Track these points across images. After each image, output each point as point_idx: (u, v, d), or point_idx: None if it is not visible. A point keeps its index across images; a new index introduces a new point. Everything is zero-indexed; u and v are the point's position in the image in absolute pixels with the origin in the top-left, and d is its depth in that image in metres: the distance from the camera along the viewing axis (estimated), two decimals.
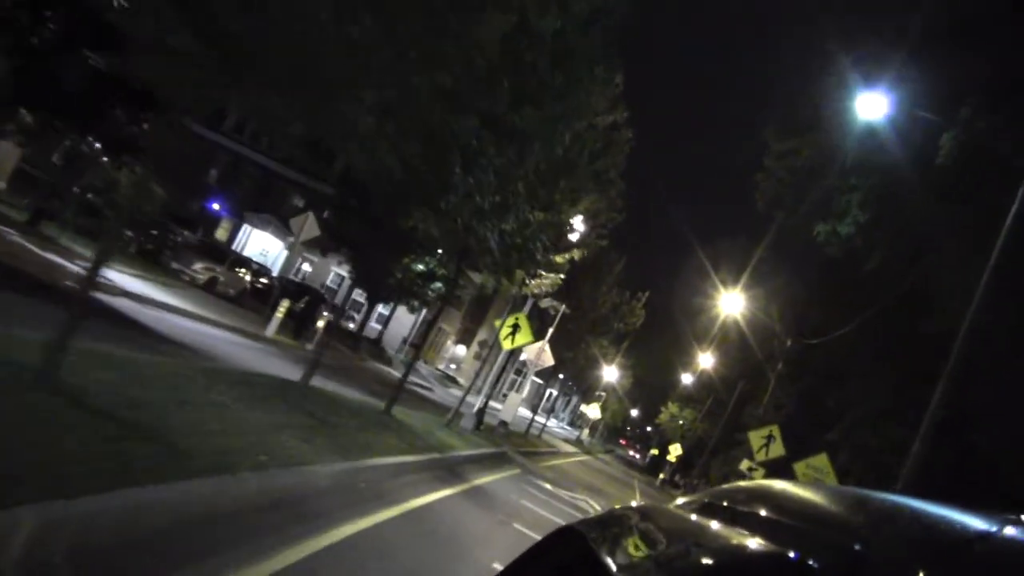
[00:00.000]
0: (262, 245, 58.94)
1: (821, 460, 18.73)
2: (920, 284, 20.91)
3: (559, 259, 19.80)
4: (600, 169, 20.17)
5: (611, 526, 1.53)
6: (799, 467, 19.77)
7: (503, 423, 27.70)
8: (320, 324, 27.00)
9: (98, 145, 23.50)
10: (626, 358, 37.39)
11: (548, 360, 28.50)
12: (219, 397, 9.58)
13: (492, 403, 27.95)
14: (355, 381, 24.03)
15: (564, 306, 28.89)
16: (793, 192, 23.22)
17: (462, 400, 21.11)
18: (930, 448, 10.58)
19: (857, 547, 0.99)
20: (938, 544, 1.02)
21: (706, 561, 1.15)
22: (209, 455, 6.77)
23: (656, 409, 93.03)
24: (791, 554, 1.02)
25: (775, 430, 22.25)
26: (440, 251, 41.84)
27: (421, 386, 39.70)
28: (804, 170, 23.02)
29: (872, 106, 16.46)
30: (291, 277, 47.11)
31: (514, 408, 27.80)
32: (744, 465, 22.43)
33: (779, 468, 23.57)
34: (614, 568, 1.20)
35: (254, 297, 33.43)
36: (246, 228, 59.25)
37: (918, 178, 17.75)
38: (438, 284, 40.82)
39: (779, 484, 1.53)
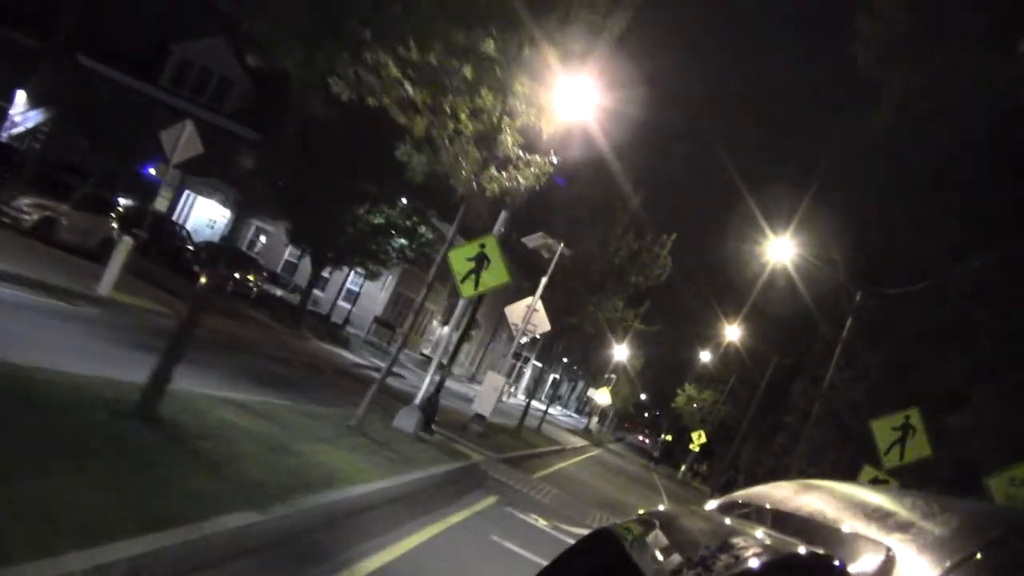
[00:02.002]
0: (208, 214, 50.55)
1: None
2: None
3: (543, 126, 11.06)
4: None
5: (646, 528, 1.49)
6: (997, 483, 11.35)
7: (479, 417, 19.02)
8: (203, 280, 18.25)
9: None
10: (647, 322, 28.25)
11: (542, 324, 19.88)
12: None
13: (457, 387, 19.07)
14: (270, 369, 15.65)
15: (562, 245, 20.17)
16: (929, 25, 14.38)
17: (379, 382, 12.17)
18: None
19: (889, 546, 1.01)
20: (972, 541, 1.01)
21: (740, 563, 1.13)
22: None
23: (666, 393, 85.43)
24: (823, 555, 1.02)
25: (914, 416, 13.49)
26: (404, 200, 33.16)
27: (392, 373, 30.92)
28: None
29: None
30: (222, 243, 38.25)
31: (492, 394, 19.08)
32: (866, 475, 13.56)
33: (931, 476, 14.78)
34: (650, 572, 1.21)
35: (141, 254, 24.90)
36: (188, 195, 50.76)
37: None
38: (402, 241, 32.07)
39: (814, 484, 1.52)
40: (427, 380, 13.65)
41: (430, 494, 10.87)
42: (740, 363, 58.94)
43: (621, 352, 63.35)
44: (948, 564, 0.94)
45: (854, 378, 28.44)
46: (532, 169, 11.80)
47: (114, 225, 21.53)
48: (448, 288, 59.45)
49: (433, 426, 14.26)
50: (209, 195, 50.00)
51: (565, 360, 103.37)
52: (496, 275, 13.41)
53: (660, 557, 1.31)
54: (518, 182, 11.49)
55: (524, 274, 20.85)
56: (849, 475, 27.98)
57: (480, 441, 18.07)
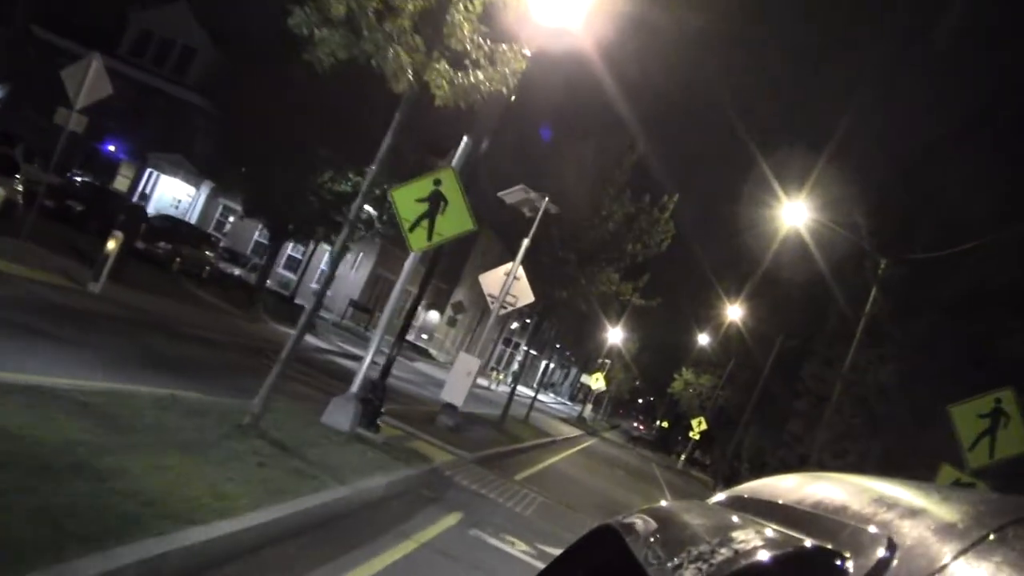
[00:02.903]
0: (172, 193, 47.31)
1: None
2: None
3: None
4: None
5: (650, 526, 1.46)
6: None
7: (449, 408, 15.73)
8: (111, 245, 14.99)
9: None
10: (646, 297, 24.89)
11: (523, 294, 16.63)
12: None
13: (439, 374, 15.77)
14: (186, 353, 12.50)
15: (547, 200, 16.82)
16: None
17: (282, 363, 8.74)
18: None
19: (888, 535, 1.02)
20: (972, 531, 1.02)
21: (744, 559, 1.13)
22: None
23: (662, 378, 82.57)
24: (828, 548, 1.03)
25: (1007, 399, 10.25)
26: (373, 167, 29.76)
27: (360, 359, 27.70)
28: None
29: None
30: (172, 215, 34.79)
31: (465, 380, 15.75)
32: (945, 476, 10.27)
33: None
34: (651, 568, 1.21)
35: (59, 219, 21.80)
36: (152, 173, 47.51)
37: None
38: (370, 210, 28.79)
39: (821, 475, 1.52)
40: (367, 359, 10.28)
41: (358, 520, 7.67)
42: (742, 346, 55.79)
43: (616, 335, 60.17)
44: (955, 552, 0.92)
45: (879, 358, 25.27)
46: (500, 68, 8.50)
47: (18, 188, 18.21)
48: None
49: (380, 421, 10.99)
50: (173, 173, 46.78)
51: (558, 346, 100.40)
52: (456, 221, 10.15)
53: (663, 554, 1.26)
54: (479, 81, 8.20)
55: (503, 240, 17.44)
56: (883, 469, 24.84)
57: (449, 437, 14.83)
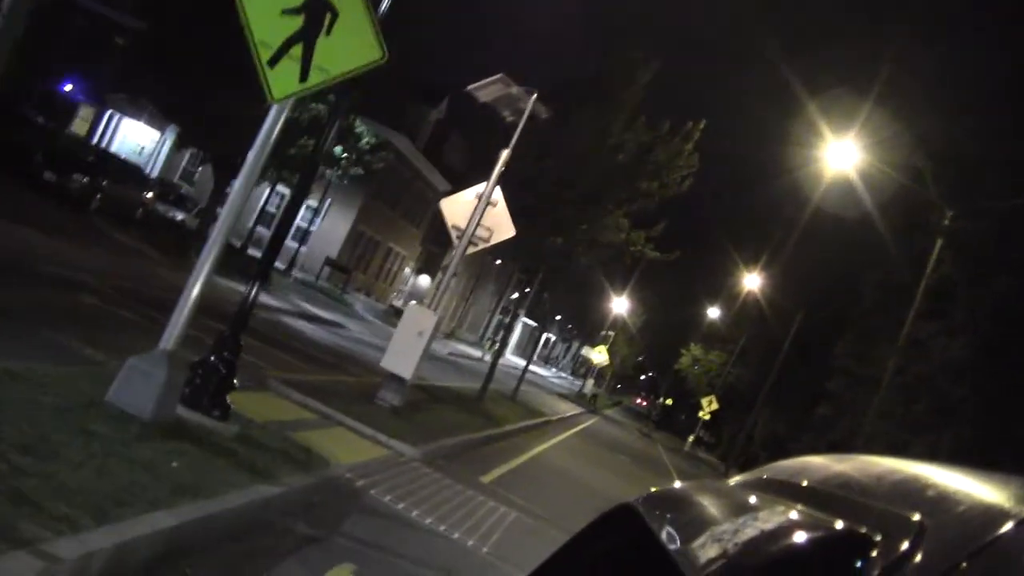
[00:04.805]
0: (135, 138, 43.01)
1: None
2: None
3: None
4: None
5: (669, 504, 1.46)
6: None
7: (394, 380, 11.26)
8: None
9: None
10: (662, 250, 20.15)
11: (500, 228, 12.14)
12: None
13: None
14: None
15: (535, 97, 12.20)
16: None
17: None
18: None
19: (918, 518, 0.99)
20: (1006, 514, 1.00)
21: (771, 539, 1.13)
22: None
23: (666, 354, 78.68)
24: (857, 531, 1.02)
25: None
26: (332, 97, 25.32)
27: (323, 321, 23.52)
28: None
29: None
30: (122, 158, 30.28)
31: (416, 342, 11.13)
32: None
33: None
34: (672, 548, 1.18)
35: None
36: (112, 116, 43.18)
37: None
38: (339, 149, 24.33)
39: (846, 457, 1.50)
40: (191, 296, 5.68)
41: None
42: (757, 319, 51.47)
43: (620, 305, 55.75)
44: (988, 536, 0.90)
45: (947, 330, 20.81)
46: None
47: None
48: (423, 231, 51.63)
49: (230, 398, 6.51)
50: (136, 116, 42.46)
51: (558, 318, 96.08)
52: (352, 47, 5.73)
53: (685, 534, 1.24)
54: None
55: (478, 166, 12.83)
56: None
57: (388, 423, 10.41)
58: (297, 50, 5.69)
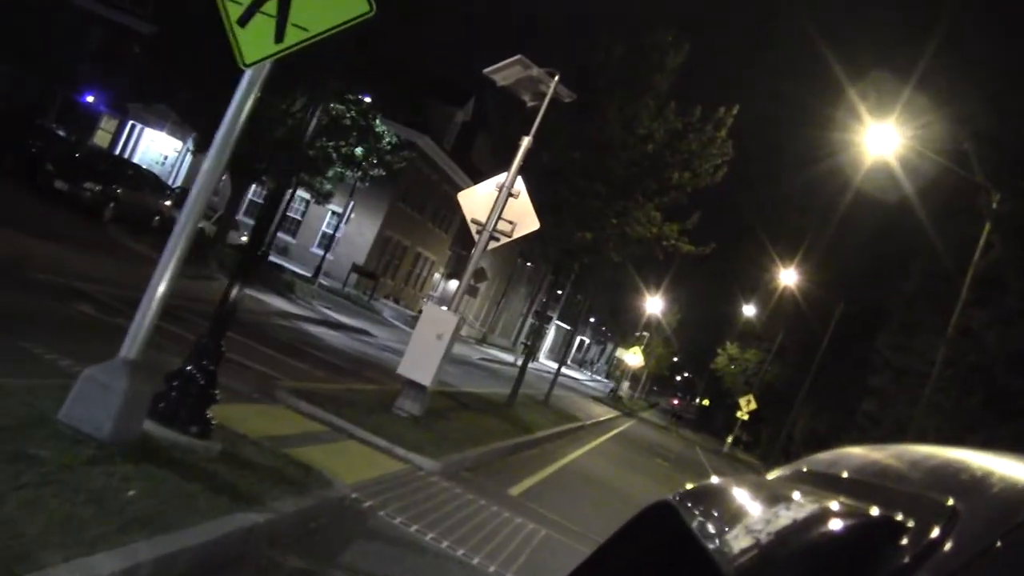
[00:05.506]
0: (159, 148, 42.77)
1: None
2: None
3: None
4: None
5: (707, 500, 1.38)
6: None
7: (413, 387, 10.42)
8: None
9: None
10: (696, 244, 19.06)
11: (524, 221, 11.28)
12: None
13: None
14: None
15: (556, 79, 11.28)
16: None
17: None
18: None
19: (951, 502, 0.97)
20: None
21: (805, 527, 1.10)
22: None
23: (701, 353, 77.46)
24: (888, 515, 1.00)
25: None
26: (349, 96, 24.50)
27: (348, 328, 22.91)
28: None
29: None
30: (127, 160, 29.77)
31: (436, 347, 10.27)
32: None
33: None
34: (706, 540, 1.18)
35: None
36: (134, 126, 43.00)
37: None
38: (357, 149, 23.64)
39: (882, 447, 1.43)
40: (155, 296, 4.86)
41: None
42: (794, 316, 50.18)
43: (655, 304, 54.61)
44: (1020, 517, 0.88)
45: (1000, 319, 19.64)
46: None
47: None
48: (453, 235, 50.85)
49: (219, 411, 5.72)
50: (159, 126, 42.25)
51: (592, 320, 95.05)
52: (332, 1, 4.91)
53: (719, 525, 1.23)
54: None
55: (504, 166, 11.97)
56: None
57: (407, 434, 9.59)
58: (272, 6, 4.90)
